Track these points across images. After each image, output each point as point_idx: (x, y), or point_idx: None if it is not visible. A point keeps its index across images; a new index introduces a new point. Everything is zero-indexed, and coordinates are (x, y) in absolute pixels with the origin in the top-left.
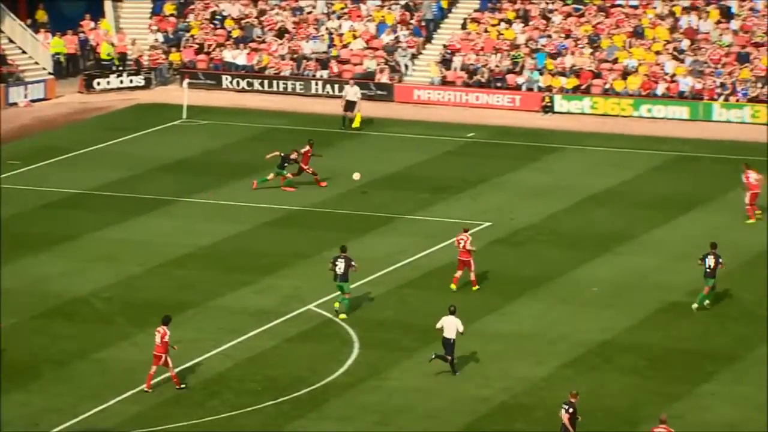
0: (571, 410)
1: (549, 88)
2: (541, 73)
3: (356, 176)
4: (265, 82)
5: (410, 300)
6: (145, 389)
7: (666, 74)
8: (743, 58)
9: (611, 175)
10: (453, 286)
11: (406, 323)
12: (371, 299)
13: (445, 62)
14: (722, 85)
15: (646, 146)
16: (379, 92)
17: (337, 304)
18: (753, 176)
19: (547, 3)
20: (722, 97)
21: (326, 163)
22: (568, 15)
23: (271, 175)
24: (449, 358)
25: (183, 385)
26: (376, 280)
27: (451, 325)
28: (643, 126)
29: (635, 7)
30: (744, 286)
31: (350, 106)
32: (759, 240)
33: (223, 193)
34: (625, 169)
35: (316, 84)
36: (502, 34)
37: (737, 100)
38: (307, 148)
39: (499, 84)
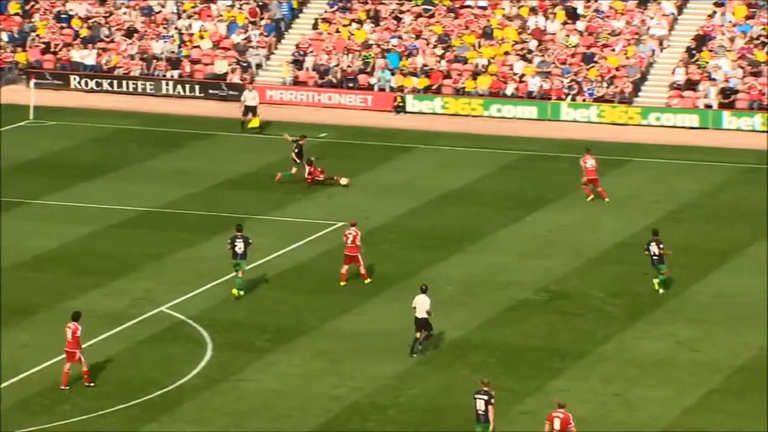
0: (486, 398)
1: (401, 88)
2: (392, 74)
3: (344, 181)
4: (115, 82)
5: (264, 300)
6: (62, 387)
7: (515, 74)
8: (589, 59)
9: (462, 175)
10: (342, 283)
11: (259, 323)
12: (224, 300)
13: (297, 62)
14: (570, 85)
15: (495, 146)
16: (231, 93)
17: (235, 292)
18: (590, 162)
19: (398, 4)
20: (569, 97)
21: (178, 165)
22: (419, 15)
23: (294, 170)
24: (425, 333)
25: (93, 383)
26: (229, 281)
27: (422, 304)
28: (493, 125)
29: (484, 8)
30: (590, 283)
31: (249, 110)
32: (604, 238)
33: (72, 195)
34: (476, 169)
35: (167, 84)
36: (353, 34)
37: (584, 100)
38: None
39: (351, 84)
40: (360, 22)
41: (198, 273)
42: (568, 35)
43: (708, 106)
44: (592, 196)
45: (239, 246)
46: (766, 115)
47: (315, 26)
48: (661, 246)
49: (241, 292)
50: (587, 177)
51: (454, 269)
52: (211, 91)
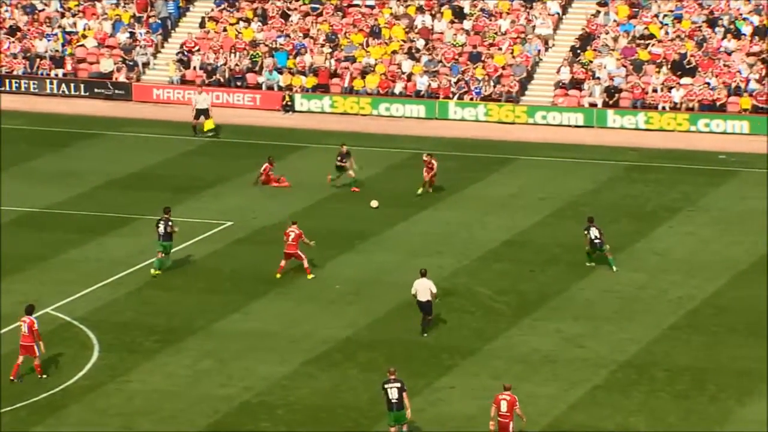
0: (399, 385)
1: (289, 87)
2: (280, 72)
3: (374, 204)
4: None
5: (152, 301)
6: (11, 379)
7: (403, 73)
8: (476, 58)
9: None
10: (277, 275)
11: (147, 324)
12: (111, 301)
13: (184, 61)
14: (457, 84)
15: (385, 144)
16: (117, 92)
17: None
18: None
19: (285, 2)
20: (457, 96)
21: (64, 165)
22: (306, 14)
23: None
24: (429, 317)
25: (45, 375)
26: (116, 282)
27: (424, 288)
28: (382, 124)
29: (372, 7)
30: (478, 281)
31: (201, 114)
32: (492, 236)
33: None
34: (365, 168)
35: (51, 83)
36: (240, 33)
37: (471, 99)
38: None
39: (239, 83)
40: (247, 20)
41: (84, 274)
42: (455, 34)
43: (593, 105)
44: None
45: (161, 228)
46: (649, 114)
47: (202, 25)
48: (601, 231)
49: (159, 272)
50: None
51: (344, 268)
52: (96, 90)
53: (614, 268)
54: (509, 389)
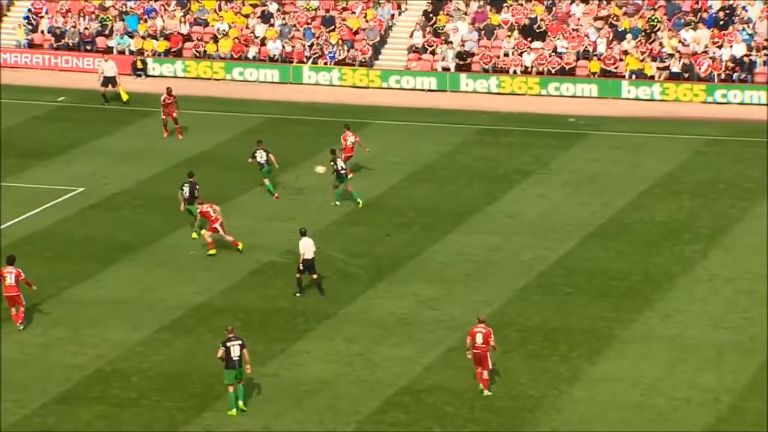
0: (240, 342)
1: (141, 52)
2: (131, 37)
3: (320, 169)
4: None
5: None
6: (19, 327)
7: (256, 38)
8: (329, 22)
9: (206, 139)
10: (212, 252)
11: None
12: None
13: (32, 25)
14: (311, 48)
15: (239, 109)
16: None
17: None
18: (350, 139)
19: None
20: (311, 60)
21: None
22: None
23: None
24: (315, 276)
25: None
26: None
27: (309, 246)
28: (236, 89)
29: None
30: (333, 246)
31: (108, 81)
32: (345, 201)
33: None
34: (218, 132)
35: None
36: None
37: (325, 63)
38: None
39: (88, 47)
40: None
41: None
42: None
43: (446, 69)
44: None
45: (186, 191)
46: (501, 78)
47: None
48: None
49: (202, 231)
50: (345, 155)
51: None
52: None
53: (359, 201)
54: (483, 321)
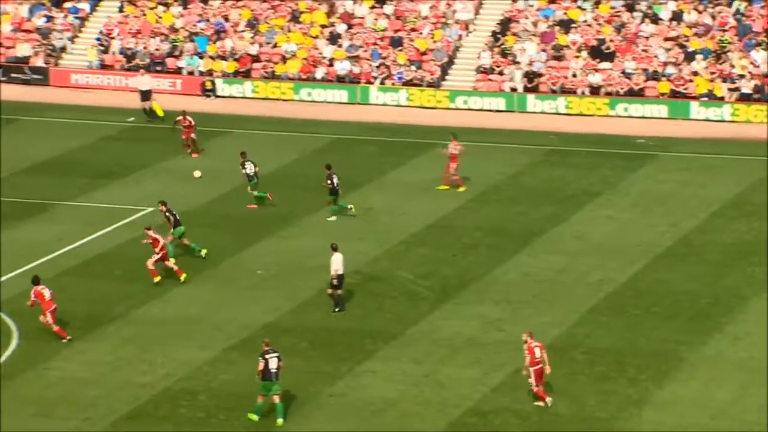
0: (278, 354)
1: (210, 72)
2: (201, 57)
3: (197, 174)
4: None
5: (71, 288)
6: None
7: (324, 58)
8: (397, 42)
9: (274, 159)
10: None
11: (67, 311)
12: (30, 289)
13: (103, 46)
14: (379, 69)
15: (307, 129)
16: (34, 76)
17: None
18: (457, 147)
19: None
20: (378, 81)
21: None
22: None
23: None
24: (340, 292)
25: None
26: (34, 269)
27: (341, 262)
28: (304, 109)
29: None
30: (400, 265)
31: (145, 95)
32: (414, 221)
33: None
34: (288, 152)
35: None
36: (160, 17)
37: (393, 84)
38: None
39: (159, 68)
40: (167, 5)
41: (3, 260)
42: (376, 19)
43: (513, 90)
44: (463, 188)
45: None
46: (569, 98)
47: (121, 9)
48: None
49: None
50: (453, 163)
51: (265, 253)
52: (13, 75)
53: (350, 207)
54: (532, 335)
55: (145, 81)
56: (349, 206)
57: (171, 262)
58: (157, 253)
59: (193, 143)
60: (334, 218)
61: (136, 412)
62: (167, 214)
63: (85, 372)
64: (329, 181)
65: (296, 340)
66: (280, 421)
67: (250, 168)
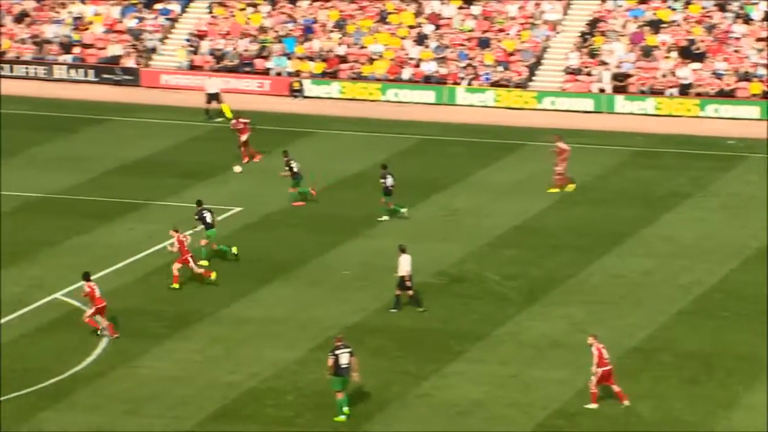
0: (350, 350)
1: (298, 73)
2: (289, 58)
3: (237, 169)
4: (6, 66)
5: (160, 287)
6: (116, 336)
7: (411, 59)
8: (484, 43)
9: (361, 159)
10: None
11: (156, 310)
12: (120, 286)
13: (193, 46)
14: (466, 69)
15: (394, 130)
16: (125, 77)
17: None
18: (563, 146)
19: None
20: (465, 81)
21: (72, 150)
22: (314, 0)
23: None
24: (411, 293)
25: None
26: (124, 268)
27: (409, 263)
28: (391, 110)
29: None
30: (487, 267)
31: (211, 98)
32: (500, 222)
33: None
34: (375, 153)
35: (60, 68)
36: (249, 18)
37: (480, 84)
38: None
39: (247, 69)
40: (255, 6)
41: (93, 260)
42: (463, 20)
43: (602, 90)
44: (573, 186)
45: (208, 216)
46: (658, 99)
47: (210, 10)
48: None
49: (207, 262)
50: (563, 163)
51: (351, 254)
52: (104, 76)
53: (404, 211)
54: (596, 337)
55: (213, 83)
56: (402, 209)
57: (200, 265)
58: (183, 256)
59: (246, 146)
60: (386, 218)
61: (223, 411)
62: (202, 214)
63: (174, 370)
64: (383, 181)
65: (382, 341)
66: (346, 409)
67: (296, 166)
